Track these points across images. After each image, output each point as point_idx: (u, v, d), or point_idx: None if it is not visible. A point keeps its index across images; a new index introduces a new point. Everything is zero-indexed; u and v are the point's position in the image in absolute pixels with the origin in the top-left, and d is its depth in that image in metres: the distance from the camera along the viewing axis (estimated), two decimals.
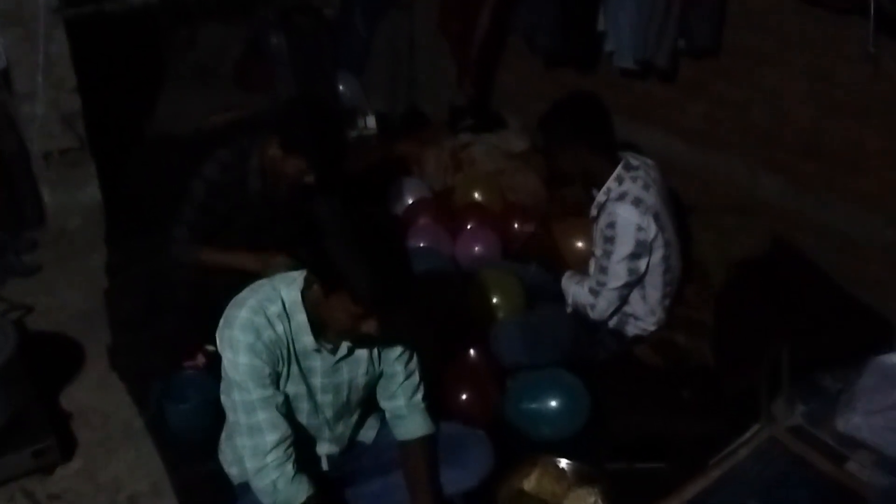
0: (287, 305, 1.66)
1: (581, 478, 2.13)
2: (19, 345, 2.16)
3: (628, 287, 2.42)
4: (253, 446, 1.66)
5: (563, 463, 2.16)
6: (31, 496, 2.11)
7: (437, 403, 2.01)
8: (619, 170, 2.40)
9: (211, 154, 2.41)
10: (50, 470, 2.17)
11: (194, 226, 2.43)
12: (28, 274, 3.10)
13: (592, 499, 2.05)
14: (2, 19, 3.04)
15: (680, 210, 2.69)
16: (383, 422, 1.99)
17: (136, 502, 2.11)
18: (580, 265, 2.65)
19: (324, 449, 1.91)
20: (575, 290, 2.49)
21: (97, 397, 2.47)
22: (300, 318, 1.67)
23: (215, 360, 1.74)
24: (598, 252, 2.40)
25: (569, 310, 2.54)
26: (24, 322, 2.77)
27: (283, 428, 1.68)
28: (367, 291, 1.52)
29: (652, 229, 2.33)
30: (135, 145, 3.93)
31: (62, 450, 2.19)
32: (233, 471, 1.91)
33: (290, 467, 1.68)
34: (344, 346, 1.74)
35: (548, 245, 2.76)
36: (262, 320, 1.63)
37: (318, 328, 1.68)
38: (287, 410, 1.72)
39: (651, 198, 2.35)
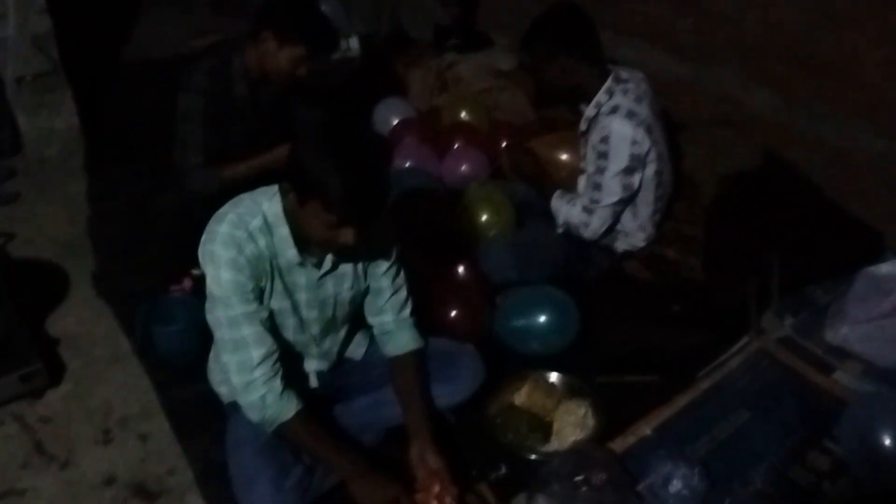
0: (269, 218, 1.63)
1: (571, 391, 2.14)
2: (3, 268, 2.12)
3: (622, 203, 2.39)
4: (239, 362, 1.65)
5: (553, 377, 2.18)
6: (22, 420, 2.10)
7: (426, 320, 2.00)
8: (608, 82, 2.34)
9: (191, 69, 2.31)
10: (39, 394, 2.16)
11: (205, 146, 2.29)
12: (7, 202, 3.03)
13: (582, 411, 2.06)
14: None
15: (670, 125, 2.63)
16: (372, 339, 1.98)
17: (126, 424, 2.10)
18: (565, 181, 2.60)
19: (312, 366, 1.90)
20: (567, 209, 2.45)
21: (83, 323, 2.44)
22: (282, 231, 1.63)
23: (202, 283, 1.71)
24: (590, 168, 2.36)
25: (560, 230, 2.51)
26: (6, 250, 2.72)
27: (269, 343, 1.66)
28: (338, 198, 1.48)
29: (646, 143, 2.28)
30: (111, 70, 3.81)
31: (50, 375, 2.18)
32: (222, 390, 1.90)
33: (277, 382, 1.67)
34: (328, 260, 1.71)
35: (530, 161, 2.69)
36: (243, 234, 1.60)
37: (301, 241, 1.64)
38: (272, 326, 1.70)
39: (644, 110, 2.30)
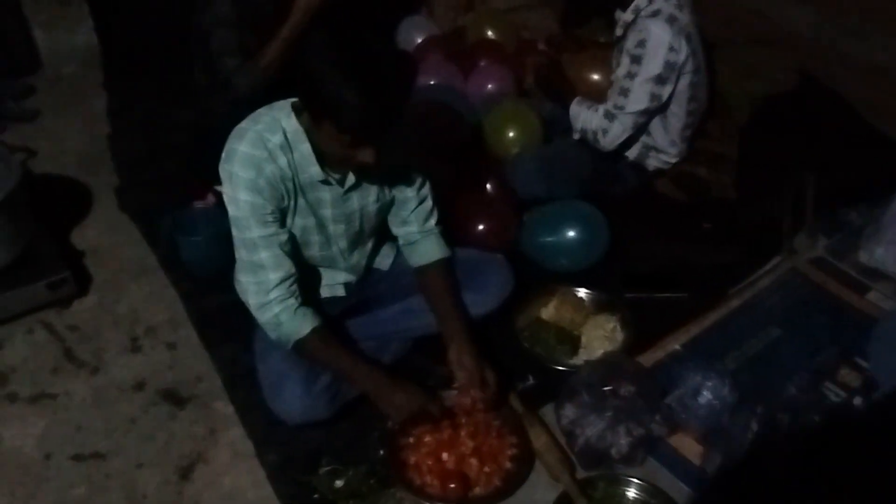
0: (289, 135, 1.57)
1: (599, 306, 2.12)
2: (25, 177, 2.10)
3: (646, 115, 2.29)
4: (256, 283, 1.63)
5: (582, 292, 2.16)
6: (50, 327, 2.11)
7: (453, 233, 1.97)
8: None
9: None
10: (67, 303, 2.17)
11: (240, 46, 2.22)
12: (27, 119, 3.01)
13: (611, 325, 2.04)
14: None
15: (703, 42, 2.54)
16: (399, 249, 1.95)
17: (154, 332, 2.11)
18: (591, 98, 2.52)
19: (340, 278, 1.88)
20: (586, 114, 2.35)
21: (108, 236, 2.44)
22: (303, 147, 1.57)
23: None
24: (620, 73, 2.26)
25: (576, 136, 2.41)
26: (29, 166, 2.70)
27: (287, 266, 1.64)
28: (351, 120, 1.41)
29: (683, 52, 2.19)
30: None
31: (77, 285, 2.18)
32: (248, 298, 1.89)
33: (292, 301, 1.65)
34: (351, 176, 1.66)
35: (557, 76, 2.60)
36: (262, 153, 1.55)
37: (323, 156, 1.58)
38: (293, 247, 1.68)
39: (685, 17, 2.21)
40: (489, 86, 2.81)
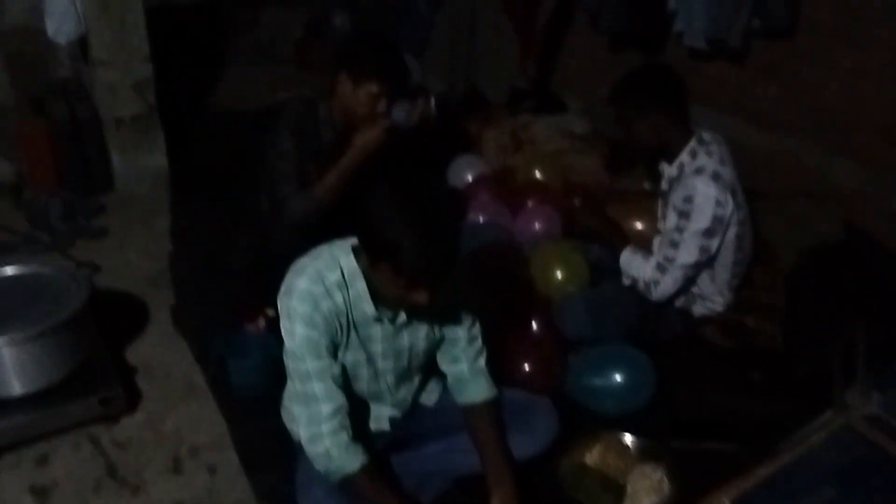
0: (346, 273, 1.64)
1: (645, 454, 2.07)
2: (91, 295, 2.20)
3: (696, 267, 2.34)
4: (308, 415, 1.66)
5: (628, 438, 2.11)
6: (97, 442, 2.14)
7: (499, 373, 1.98)
8: (692, 143, 2.34)
9: (280, 113, 2.40)
10: (115, 419, 2.20)
11: (297, 177, 2.35)
12: (95, 237, 3.16)
13: (658, 475, 1.99)
14: None
15: (748, 193, 2.61)
16: (446, 386, 1.96)
17: (197, 454, 2.12)
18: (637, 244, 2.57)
19: (386, 412, 1.89)
20: (638, 265, 2.40)
21: (160, 354, 2.50)
22: (359, 285, 1.64)
23: (276, 322, 1.74)
24: (669, 226, 2.33)
25: (626, 282, 2.45)
26: (92, 280, 2.81)
27: (339, 398, 1.67)
28: (409, 264, 1.48)
29: (729, 206, 2.25)
30: (200, 116, 4.00)
31: (127, 401, 2.22)
32: (294, 427, 1.90)
33: (344, 435, 1.67)
34: (403, 314, 1.71)
35: (602, 218, 2.67)
36: (320, 289, 1.62)
37: (377, 297, 1.65)
38: (344, 380, 1.71)
39: (728, 172, 2.28)
40: (537, 225, 2.89)
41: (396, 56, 2.40)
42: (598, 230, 2.66)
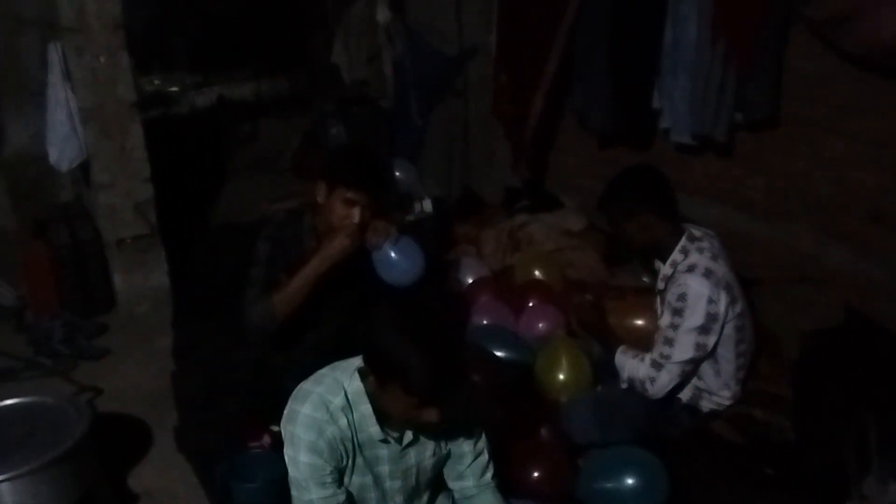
0: (350, 396, 1.64)
1: None
2: (92, 424, 2.18)
3: (692, 364, 2.33)
4: None
5: None
6: None
7: (506, 483, 1.95)
8: (683, 241, 2.37)
9: (268, 223, 2.45)
10: None
11: (263, 283, 2.31)
12: (98, 357, 3.16)
13: None
14: (85, 115, 3.23)
15: (744, 282, 2.62)
16: (454, 501, 1.92)
17: None
18: (633, 344, 2.57)
19: None
20: (632, 363, 2.39)
21: (164, 478, 2.46)
22: (364, 408, 1.64)
23: (280, 440, 1.72)
24: (664, 323, 2.33)
25: (623, 385, 2.44)
26: (94, 404, 2.80)
27: None
28: (418, 384, 1.49)
29: (723, 302, 2.26)
30: (199, 232, 4.07)
31: None
32: None
33: None
34: (409, 433, 1.70)
35: (598, 318, 2.66)
36: (324, 416, 1.62)
37: (383, 418, 1.65)
38: (353, 501, 1.69)
39: (721, 268, 2.31)
40: (540, 325, 2.90)
41: (373, 166, 2.38)
42: (595, 328, 2.65)
